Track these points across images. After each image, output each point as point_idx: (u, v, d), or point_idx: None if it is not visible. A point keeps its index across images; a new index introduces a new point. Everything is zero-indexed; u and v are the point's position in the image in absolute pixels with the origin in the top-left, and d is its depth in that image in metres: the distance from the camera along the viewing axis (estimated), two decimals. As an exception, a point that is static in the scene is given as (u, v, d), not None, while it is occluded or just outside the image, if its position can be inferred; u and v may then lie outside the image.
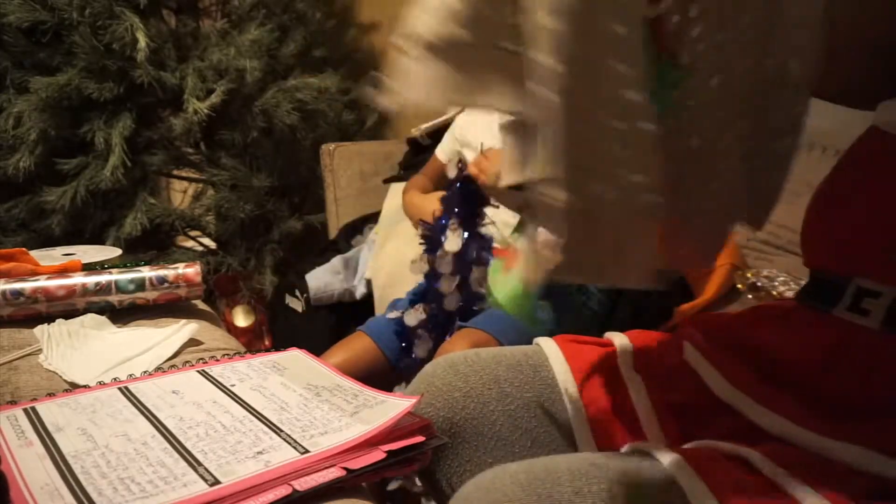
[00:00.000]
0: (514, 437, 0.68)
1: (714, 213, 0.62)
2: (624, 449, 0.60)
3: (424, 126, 1.87)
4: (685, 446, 0.59)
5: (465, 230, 1.25)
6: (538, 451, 0.68)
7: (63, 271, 0.87)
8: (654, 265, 0.51)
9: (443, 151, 1.61)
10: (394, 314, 1.35)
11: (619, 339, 0.75)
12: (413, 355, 1.27)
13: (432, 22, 0.50)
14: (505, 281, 0.69)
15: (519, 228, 0.65)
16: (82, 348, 0.76)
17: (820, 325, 0.63)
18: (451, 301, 1.26)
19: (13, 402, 0.62)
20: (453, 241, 1.25)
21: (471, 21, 0.50)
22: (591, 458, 0.55)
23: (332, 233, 2.01)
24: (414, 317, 1.28)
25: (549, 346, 0.74)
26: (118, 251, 1.11)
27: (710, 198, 0.60)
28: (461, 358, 0.73)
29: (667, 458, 0.53)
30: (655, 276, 0.51)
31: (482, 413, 0.69)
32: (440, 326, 1.28)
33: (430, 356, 1.23)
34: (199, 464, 0.51)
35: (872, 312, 0.60)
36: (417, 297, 1.35)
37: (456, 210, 1.26)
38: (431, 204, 1.37)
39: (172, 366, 0.73)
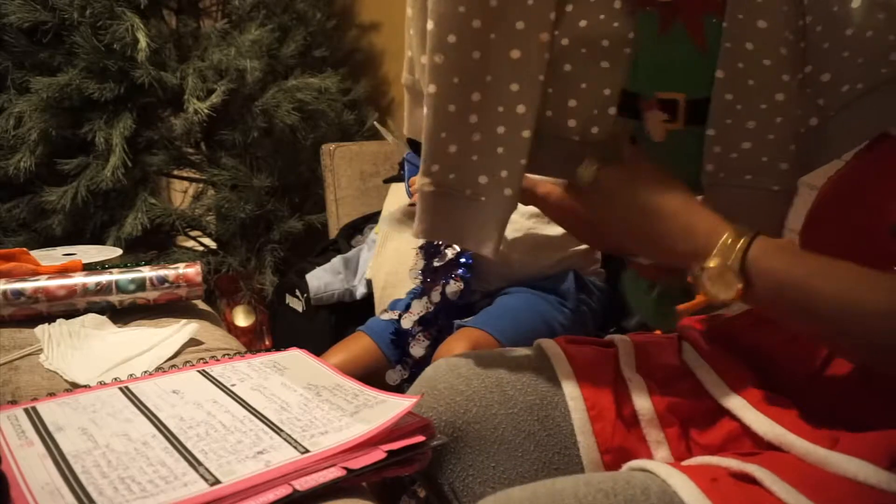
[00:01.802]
0: (517, 440, 0.68)
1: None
2: (629, 466, 0.60)
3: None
4: (692, 463, 0.59)
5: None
6: (541, 454, 0.68)
7: (64, 271, 0.87)
8: (494, 249, 0.67)
9: None
10: (387, 315, 1.35)
11: (620, 340, 0.75)
12: (410, 356, 1.28)
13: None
14: (637, 287, 0.75)
15: None
16: (83, 348, 0.76)
17: None
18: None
19: (14, 402, 0.62)
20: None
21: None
22: (598, 481, 0.54)
23: (332, 233, 2.01)
24: (409, 320, 1.28)
25: (550, 348, 0.74)
26: (119, 251, 1.11)
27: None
28: (463, 360, 0.73)
29: (675, 480, 0.53)
30: (497, 251, 0.68)
31: (485, 416, 0.68)
32: (436, 326, 1.29)
33: (428, 356, 1.23)
34: (200, 463, 0.51)
35: None
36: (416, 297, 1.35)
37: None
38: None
39: (173, 366, 0.73)
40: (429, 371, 0.73)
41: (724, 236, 0.55)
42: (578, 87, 0.66)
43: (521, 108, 0.64)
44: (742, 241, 0.54)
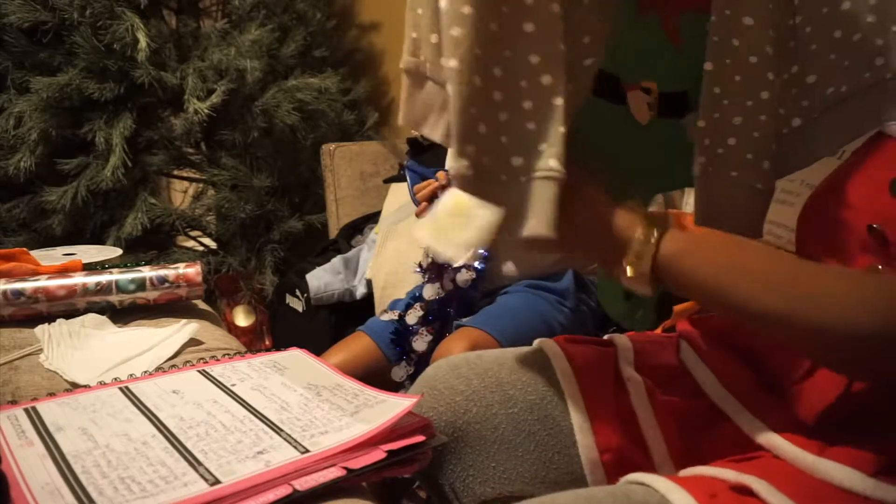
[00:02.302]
0: (517, 440, 0.68)
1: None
2: (626, 480, 0.60)
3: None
4: (689, 474, 0.59)
5: None
6: (541, 453, 0.68)
7: (64, 271, 0.87)
8: (549, 225, 0.58)
9: None
10: (387, 315, 1.35)
11: (619, 340, 0.75)
12: (413, 351, 1.28)
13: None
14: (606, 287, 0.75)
15: None
16: (83, 348, 0.76)
17: None
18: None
19: (14, 402, 0.62)
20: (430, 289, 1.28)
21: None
22: (597, 498, 0.54)
23: (332, 233, 2.01)
24: (414, 316, 1.29)
25: (550, 348, 0.74)
26: (119, 251, 1.11)
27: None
28: (463, 360, 0.73)
29: (675, 496, 0.53)
30: (552, 227, 0.59)
31: (485, 416, 0.68)
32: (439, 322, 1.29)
33: (431, 351, 1.23)
34: (200, 463, 0.51)
35: None
36: (417, 298, 1.36)
37: None
38: None
39: (173, 365, 0.73)
40: (429, 371, 0.73)
41: (636, 236, 0.57)
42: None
43: (546, 79, 0.61)
44: (653, 239, 0.56)
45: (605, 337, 0.77)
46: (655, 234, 0.56)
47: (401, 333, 1.31)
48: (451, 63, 0.59)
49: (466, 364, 0.72)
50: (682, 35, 0.66)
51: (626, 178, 0.71)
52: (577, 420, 0.68)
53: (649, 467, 0.65)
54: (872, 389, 0.57)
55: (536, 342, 0.77)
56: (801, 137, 0.65)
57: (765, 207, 0.70)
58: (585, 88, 0.66)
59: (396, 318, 1.34)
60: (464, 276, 1.29)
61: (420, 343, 1.27)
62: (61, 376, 0.71)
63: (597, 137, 0.69)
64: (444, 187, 1.26)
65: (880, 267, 0.58)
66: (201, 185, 2.18)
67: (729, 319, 0.63)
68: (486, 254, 1.31)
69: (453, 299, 1.31)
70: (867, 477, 0.52)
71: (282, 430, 0.56)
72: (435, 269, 1.33)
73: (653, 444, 0.66)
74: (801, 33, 0.62)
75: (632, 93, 0.68)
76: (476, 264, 1.31)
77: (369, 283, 1.65)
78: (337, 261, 1.74)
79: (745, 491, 0.53)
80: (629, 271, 0.56)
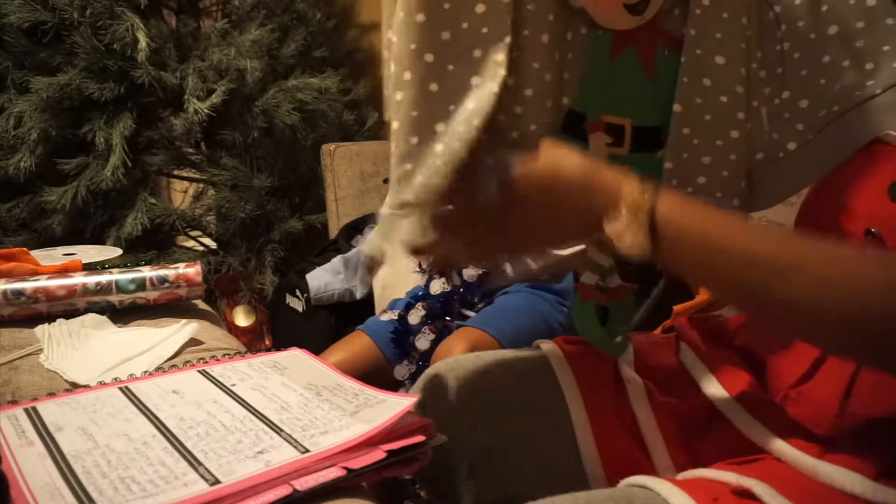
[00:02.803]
0: (517, 441, 0.68)
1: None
2: (626, 482, 0.60)
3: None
4: (690, 476, 0.59)
5: None
6: (541, 455, 0.68)
7: (64, 271, 0.87)
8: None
9: None
10: (387, 315, 1.35)
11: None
12: (414, 350, 1.28)
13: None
14: (588, 315, 0.74)
15: (590, 267, 0.73)
16: (83, 348, 0.76)
17: None
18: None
19: (14, 402, 0.62)
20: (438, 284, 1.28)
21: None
22: (597, 500, 0.54)
23: (332, 233, 2.00)
24: (416, 315, 1.29)
25: (550, 349, 0.74)
26: (119, 251, 1.11)
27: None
28: (462, 363, 0.73)
29: (677, 500, 0.53)
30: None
31: (485, 418, 0.69)
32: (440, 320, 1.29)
33: (431, 351, 1.23)
34: (200, 463, 0.51)
35: None
36: (418, 297, 1.35)
37: None
38: None
39: (173, 365, 0.73)
40: (429, 372, 0.74)
41: (629, 189, 0.53)
42: (524, 96, 0.66)
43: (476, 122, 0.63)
44: (648, 194, 0.52)
45: None
46: (651, 188, 0.53)
47: (401, 333, 1.31)
48: (394, 125, 0.66)
49: (466, 366, 0.72)
50: (657, 67, 0.66)
51: None
52: (578, 422, 0.68)
53: (650, 469, 0.65)
54: (874, 393, 0.57)
55: (536, 343, 0.77)
56: (799, 160, 0.66)
57: None
58: (557, 125, 0.67)
59: (396, 317, 1.34)
60: (470, 271, 1.29)
61: (423, 342, 1.27)
62: (61, 376, 0.71)
63: None
64: None
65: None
66: (201, 185, 2.18)
67: (723, 299, 0.61)
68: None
69: (458, 296, 1.31)
70: (869, 480, 0.52)
71: (282, 430, 0.56)
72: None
73: (653, 446, 0.66)
74: (789, 59, 0.63)
75: (594, 134, 0.69)
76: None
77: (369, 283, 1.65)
78: (337, 261, 1.73)
79: (746, 494, 0.53)
80: (623, 222, 0.52)
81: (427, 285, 1.36)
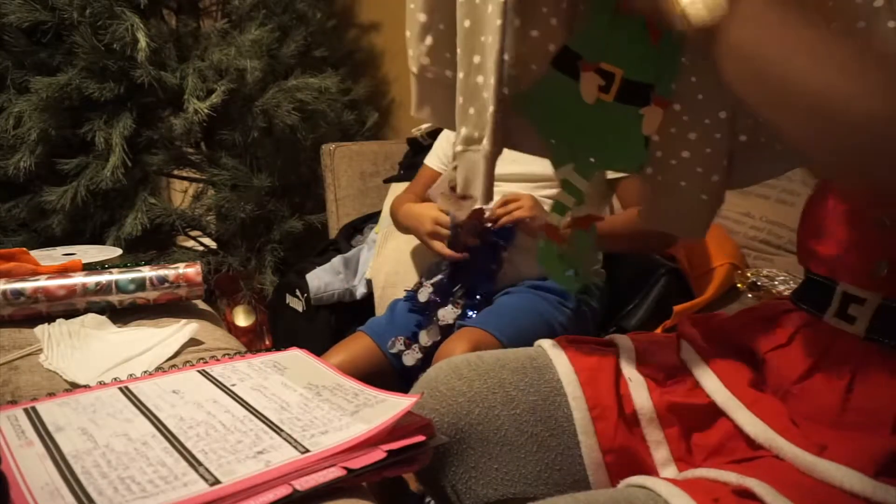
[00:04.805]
0: (519, 441, 0.68)
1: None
2: (627, 482, 0.59)
3: (424, 126, 1.87)
4: (691, 476, 0.59)
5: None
6: (543, 455, 0.68)
7: (63, 271, 0.87)
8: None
9: (436, 157, 1.56)
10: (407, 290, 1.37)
11: (621, 340, 0.75)
12: (417, 343, 1.28)
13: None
14: (551, 255, 0.79)
15: (557, 209, 0.77)
16: (83, 348, 0.76)
17: (810, 332, 0.63)
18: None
19: (13, 402, 0.62)
20: (450, 312, 1.29)
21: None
22: (597, 500, 0.54)
23: (332, 233, 2.01)
24: (425, 293, 1.29)
25: (552, 349, 0.74)
26: (118, 251, 1.11)
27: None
28: (464, 362, 0.73)
29: (678, 502, 0.53)
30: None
31: (487, 418, 0.68)
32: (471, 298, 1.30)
33: (432, 351, 1.23)
34: (200, 463, 0.51)
35: (858, 319, 0.60)
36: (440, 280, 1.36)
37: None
38: (430, 211, 1.37)
39: (173, 365, 0.73)
40: (430, 373, 0.73)
41: None
42: (530, 36, 0.69)
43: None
44: None
45: (607, 338, 0.77)
46: None
47: (420, 304, 1.32)
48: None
49: (467, 365, 0.72)
50: (663, 34, 0.68)
51: (574, 146, 0.74)
52: (580, 421, 0.68)
53: (651, 468, 0.65)
54: (875, 390, 0.57)
55: (538, 342, 0.77)
56: (775, 149, 0.70)
57: (708, 215, 0.75)
58: (542, 69, 0.70)
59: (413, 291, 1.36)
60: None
61: (449, 314, 1.27)
62: (61, 376, 0.71)
63: (550, 105, 0.73)
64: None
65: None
66: (201, 185, 2.18)
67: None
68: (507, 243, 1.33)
69: (471, 265, 1.32)
70: (868, 478, 0.52)
71: (282, 430, 0.56)
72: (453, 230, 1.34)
73: (654, 445, 0.66)
74: None
75: (585, 74, 0.71)
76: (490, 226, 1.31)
77: (369, 283, 1.65)
78: (337, 261, 1.74)
79: (747, 494, 0.53)
80: None
81: (417, 291, 1.36)
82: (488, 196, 0.70)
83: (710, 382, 0.66)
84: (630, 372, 0.70)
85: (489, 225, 1.29)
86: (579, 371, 0.70)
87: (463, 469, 0.67)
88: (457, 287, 1.32)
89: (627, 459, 0.66)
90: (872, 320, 0.59)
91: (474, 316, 1.28)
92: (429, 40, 0.70)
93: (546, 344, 0.75)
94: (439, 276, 1.35)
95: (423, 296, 1.33)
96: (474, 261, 1.32)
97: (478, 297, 1.32)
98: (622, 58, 0.70)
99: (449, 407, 0.68)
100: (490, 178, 0.69)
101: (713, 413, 0.65)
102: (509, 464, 0.67)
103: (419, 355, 1.27)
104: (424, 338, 1.28)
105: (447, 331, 1.26)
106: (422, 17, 0.69)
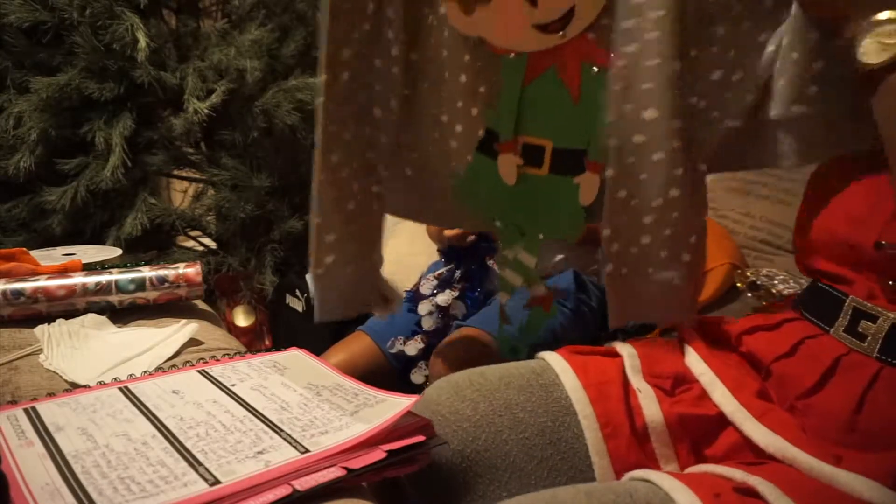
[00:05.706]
0: (529, 467, 0.65)
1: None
2: (630, 476, 0.59)
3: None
4: (695, 471, 0.58)
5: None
6: (555, 480, 0.65)
7: (63, 271, 0.87)
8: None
9: None
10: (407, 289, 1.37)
11: (623, 348, 0.73)
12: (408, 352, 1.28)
13: None
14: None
15: (505, 287, 0.79)
16: (82, 348, 0.76)
17: (817, 345, 0.62)
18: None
19: (13, 402, 0.62)
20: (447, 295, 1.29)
21: None
22: (599, 493, 0.53)
23: (333, 233, 2.00)
24: (414, 347, 1.29)
25: (556, 362, 0.72)
26: (118, 251, 1.11)
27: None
28: (466, 381, 0.70)
29: (679, 496, 0.52)
30: None
31: (495, 444, 0.65)
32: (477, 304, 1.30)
33: (433, 342, 1.23)
34: (200, 463, 0.51)
35: (869, 339, 0.58)
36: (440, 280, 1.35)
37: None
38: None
39: (173, 366, 0.73)
40: (430, 393, 0.70)
41: None
42: (455, 132, 0.69)
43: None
44: None
45: (607, 346, 0.75)
46: None
47: (414, 300, 1.32)
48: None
49: (470, 385, 0.69)
50: (581, 87, 0.64)
51: (520, 223, 0.74)
52: (592, 441, 0.65)
53: None
54: (884, 411, 0.56)
55: (540, 355, 0.75)
56: (741, 139, 0.65)
57: (687, 297, 0.68)
58: (471, 146, 0.71)
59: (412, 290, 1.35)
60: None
61: (446, 298, 1.27)
62: (61, 376, 0.71)
63: (485, 188, 0.73)
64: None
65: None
66: (201, 185, 2.18)
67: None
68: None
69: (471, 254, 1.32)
70: (888, 489, 0.51)
71: (282, 430, 0.56)
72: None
73: (664, 460, 0.65)
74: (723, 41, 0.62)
75: (503, 155, 0.70)
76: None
77: (369, 283, 1.65)
78: (337, 261, 1.73)
79: (749, 492, 0.52)
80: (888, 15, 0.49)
81: (418, 286, 1.36)
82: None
83: (718, 390, 0.65)
84: (638, 382, 0.68)
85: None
86: (587, 387, 0.68)
87: (471, 498, 0.64)
88: (457, 273, 1.32)
89: (637, 469, 0.65)
90: (885, 342, 0.56)
91: (473, 298, 1.28)
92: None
93: (550, 358, 0.73)
94: (441, 269, 1.35)
95: (427, 288, 1.33)
96: (474, 251, 1.32)
97: (478, 290, 1.32)
98: (546, 126, 0.66)
99: (454, 433, 0.65)
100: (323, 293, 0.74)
101: (719, 421, 0.63)
102: (519, 491, 0.64)
103: (421, 345, 1.27)
104: (428, 322, 1.28)
105: (447, 324, 1.26)
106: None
